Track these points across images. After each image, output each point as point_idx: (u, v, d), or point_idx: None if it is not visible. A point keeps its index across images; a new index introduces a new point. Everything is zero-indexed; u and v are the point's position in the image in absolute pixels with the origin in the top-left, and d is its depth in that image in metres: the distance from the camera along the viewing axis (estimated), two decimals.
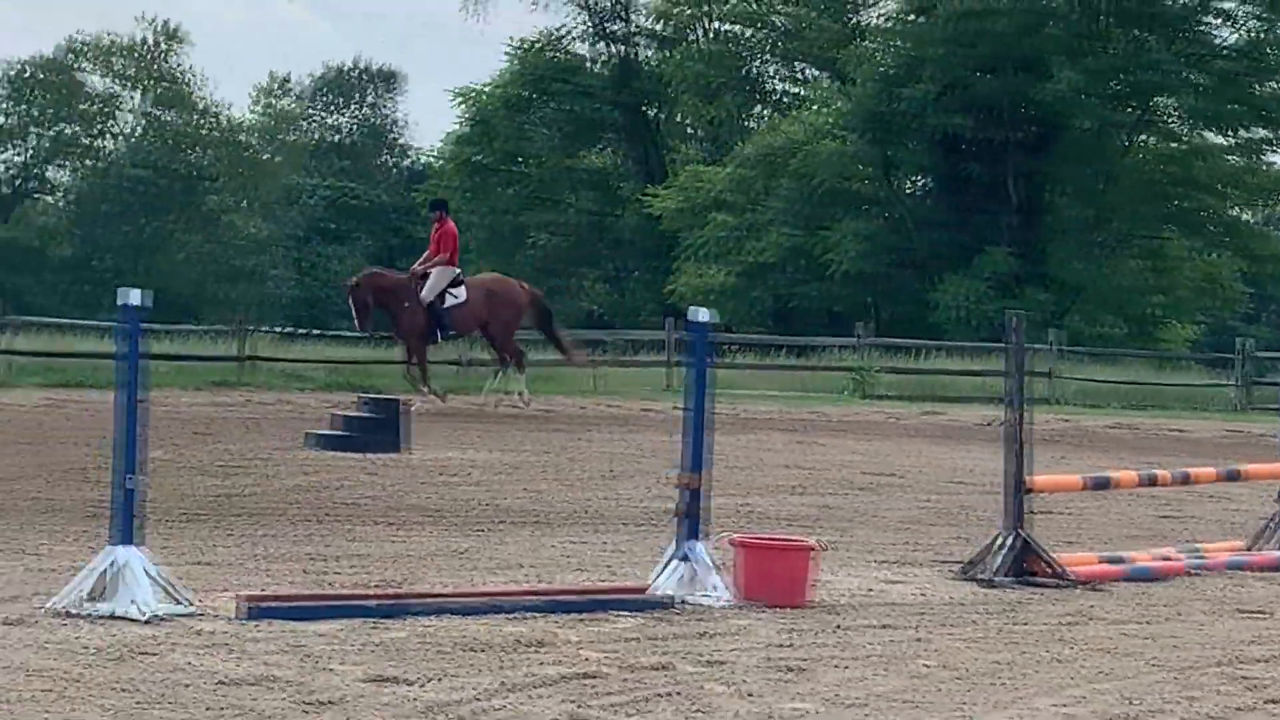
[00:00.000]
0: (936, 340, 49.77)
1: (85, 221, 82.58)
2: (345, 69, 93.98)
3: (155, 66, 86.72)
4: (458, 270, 34.36)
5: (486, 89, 71.69)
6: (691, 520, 13.61)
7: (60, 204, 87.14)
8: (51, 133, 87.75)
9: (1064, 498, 19.94)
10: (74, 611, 11.95)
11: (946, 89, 59.76)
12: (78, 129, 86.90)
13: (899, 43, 63.03)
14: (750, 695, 10.34)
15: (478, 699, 9.97)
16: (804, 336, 51.20)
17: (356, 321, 34.33)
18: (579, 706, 9.85)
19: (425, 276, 33.29)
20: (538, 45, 71.58)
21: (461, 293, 33.39)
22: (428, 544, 16.15)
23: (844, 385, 44.28)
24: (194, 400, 34.04)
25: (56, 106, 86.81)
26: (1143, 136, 64.36)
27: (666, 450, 22.06)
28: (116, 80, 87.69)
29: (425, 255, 34.52)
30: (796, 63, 70.52)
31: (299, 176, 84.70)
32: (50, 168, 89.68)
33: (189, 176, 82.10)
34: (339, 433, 25.64)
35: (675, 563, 13.51)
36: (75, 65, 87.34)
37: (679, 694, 10.30)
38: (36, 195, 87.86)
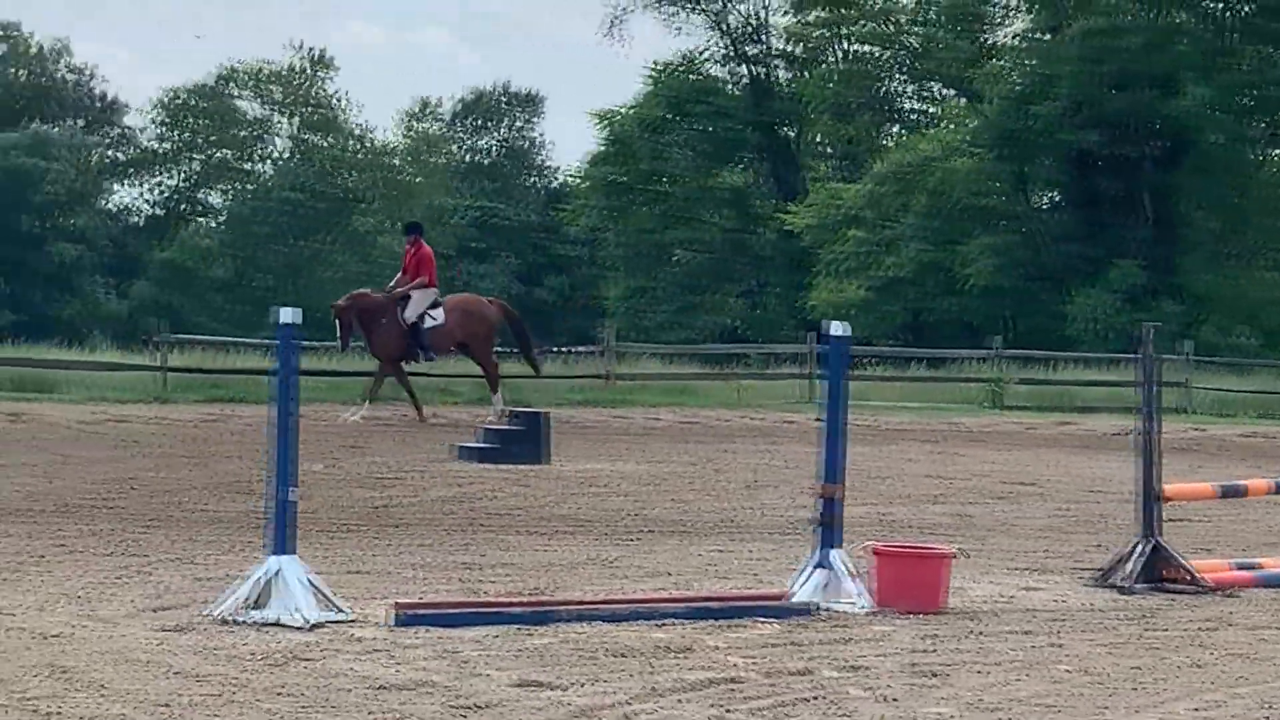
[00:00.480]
0: (1069, 352, 49.41)
1: (240, 242, 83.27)
2: (488, 93, 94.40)
3: (306, 92, 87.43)
4: (437, 292, 34.22)
5: (625, 111, 71.81)
6: (830, 529, 13.60)
7: (216, 226, 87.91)
8: (207, 157, 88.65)
9: (1197, 506, 19.78)
10: (235, 619, 12.09)
11: (1077, 106, 59.43)
12: (233, 153, 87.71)
13: (1029, 61, 62.71)
14: (891, 700, 10.32)
15: (625, 703, 10.00)
16: (939, 349, 50.99)
17: (340, 340, 33.78)
18: (724, 711, 9.86)
19: (405, 298, 32.97)
20: (675, 68, 71.67)
21: (440, 314, 33.20)
22: (576, 553, 16.20)
23: (979, 396, 44.05)
24: (347, 414, 34.27)
25: (212, 132, 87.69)
26: (1275, 151, 63.69)
27: (806, 461, 22.04)
28: (269, 106, 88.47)
29: (399, 278, 34.17)
30: (928, 82, 70.32)
31: (445, 197, 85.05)
32: (206, 191, 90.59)
33: (339, 198, 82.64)
34: (487, 445, 25.74)
35: (815, 570, 13.50)
36: (230, 92, 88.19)
37: (820, 698, 10.30)
38: (193, 218, 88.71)
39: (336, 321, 33.02)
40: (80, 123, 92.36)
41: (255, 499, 18.81)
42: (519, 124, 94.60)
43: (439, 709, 9.73)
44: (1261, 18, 60.66)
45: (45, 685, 10.03)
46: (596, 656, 11.28)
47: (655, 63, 73.23)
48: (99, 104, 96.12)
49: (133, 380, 39.69)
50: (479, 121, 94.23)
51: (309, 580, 12.37)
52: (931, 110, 70.75)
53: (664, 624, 12.40)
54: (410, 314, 32.36)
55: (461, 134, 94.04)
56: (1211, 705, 10.44)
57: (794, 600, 13.22)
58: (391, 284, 34.20)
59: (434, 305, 33.24)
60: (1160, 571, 14.91)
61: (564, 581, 14.32)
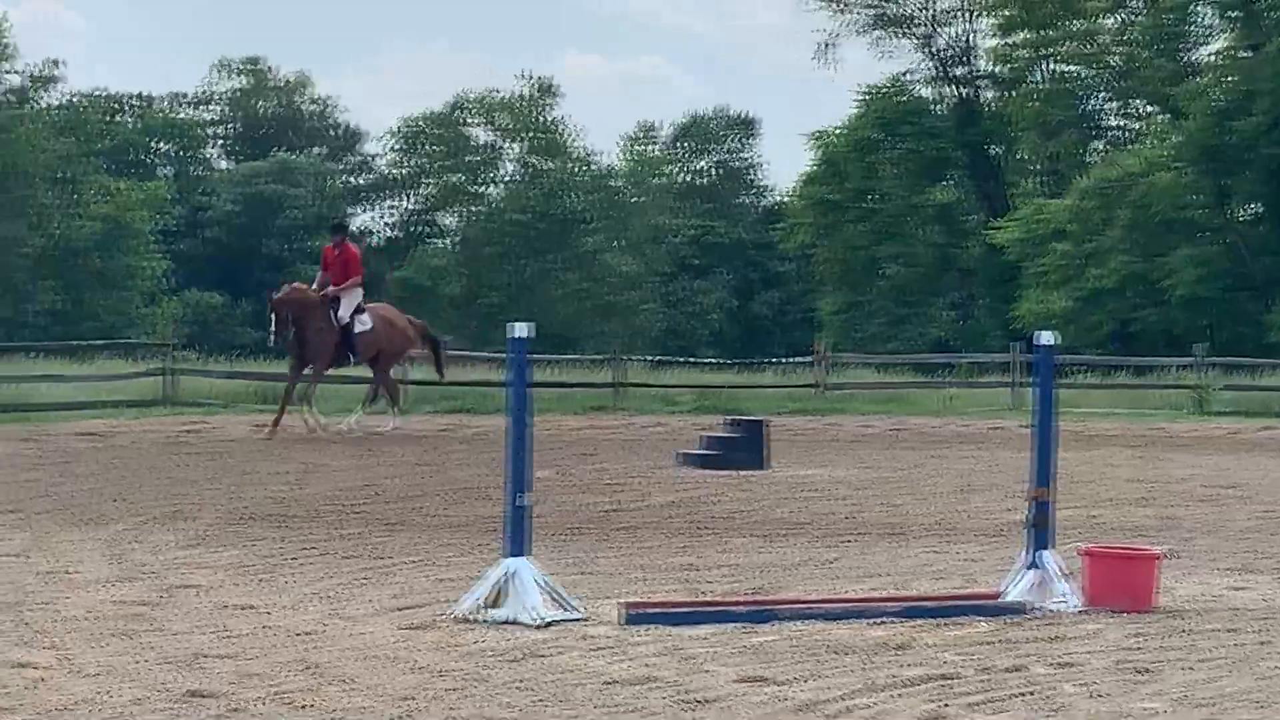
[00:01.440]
0: (1273, 360, 48.61)
1: (471, 262, 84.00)
2: (705, 117, 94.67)
3: (532, 119, 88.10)
4: (362, 294, 31.76)
5: (837, 132, 71.76)
6: (1040, 531, 13.50)
7: (449, 246, 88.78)
8: (440, 182, 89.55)
9: None
10: (474, 617, 12.22)
11: (1277, 120, 58.43)
12: (464, 178, 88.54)
13: (1230, 78, 61.78)
14: (1102, 695, 10.24)
15: (844, 698, 9.99)
16: (1143, 357, 50.37)
17: (275, 334, 30.74)
18: (939, 706, 9.83)
19: (336, 300, 30.27)
20: (884, 90, 71.48)
21: (367, 319, 30.68)
22: (794, 554, 16.18)
23: (1183, 403, 43.46)
24: (575, 424, 34.41)
25: (445, 158, 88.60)
26: None
27: (1014, 466, 21.88)
28: (498, 133, 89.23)
29: (321, 278, 31.23)
30: (1131, 99, 69.45)
31: (664, 217, 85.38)
32: (439, 213, 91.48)
33: (565, 219, 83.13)
34: (708, 452, 25.78)
35: (1026, 571, 13.41)
36: (461, 120, 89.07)
37: (1033, 694, 10.24)
38: (428, 239, 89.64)
39: (273, 315, 30.26)
40: (322, 151, 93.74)
41: (490, 504, 19.00)
42: (734, 146, 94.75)
43: (666, 703, 9.78)
44: None
45: (298, 679, 10.20)
46: (816, 653, 11.29)
47: (865, 85, 73.16)
48: (339, 133, 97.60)
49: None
50: (696, 144, 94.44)
51: (542, 581, 12.46)
52: (1134, 127, 69.88)
53: (880, 622, 12.38)
54: (344, 315, 30.08)
55: (680, 156, 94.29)
56: None
57: (1006, 600, 13.15)
58: (315, 284, 31.45)
59: (359, 310, 30.87)
60: None
61: (783, 582, 14.33)
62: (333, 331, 29.68)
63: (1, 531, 16.70)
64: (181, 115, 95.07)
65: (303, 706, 9.52)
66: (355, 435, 30.17)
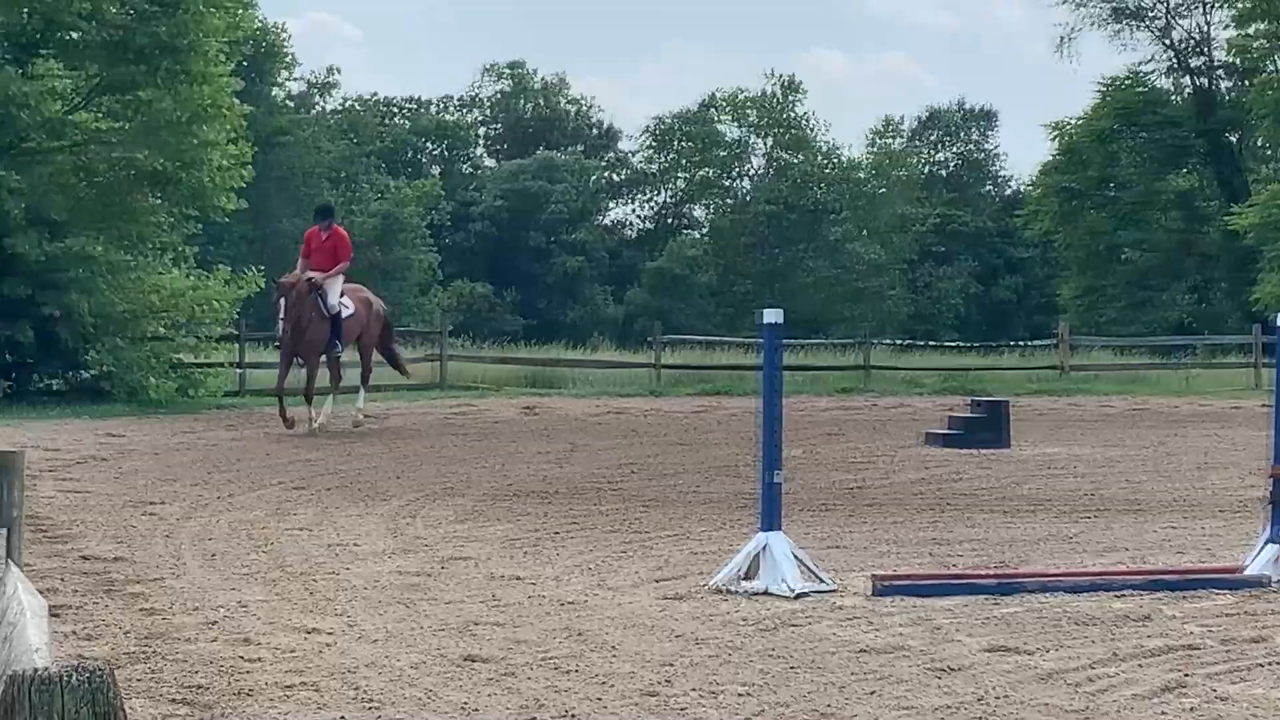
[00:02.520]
0: None
1: (722, 251, 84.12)
2: (946, 109, 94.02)
3: (779, 115, 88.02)
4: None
5: (1076, 122, 70.82)
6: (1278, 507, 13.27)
7: (700, 237, 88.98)
8: (691, 176, 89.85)
9: None
10: (729, 589, 12.28)
11: None
12: (714, 172, 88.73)
13: None
14: None
15: (1088, 667, 9.91)
16: None
17: (283, 322, 26.59)
18: (1182, 675, 9.71)
19: (322, 288, 26.84)
20: (1123, 81, 70.44)
21: (350, 303, 27.57)
22: (1037, 530, 16.05)
23: None
24: (824, 405, 34.40)
25: (696, 153, 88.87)
26: None
27: (1254, 444, 21.46)
28: (746, 128, 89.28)
29: (301, 265, 27.28)
30: None
31: (909, 206, 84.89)
32: (691, 206, 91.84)
33: (812, 210, 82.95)
34: (953, 431, 25.65)
35: (1268, 545, 13.17)
36: (711, 117, 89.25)
37: (1276, 664, 10.07)
38: (682, 231, 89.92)
39: (281, 300, 26.48)
40: (580, 149, 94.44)
41: (743, 481, 19.05)
42: (975, 137, 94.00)
43: (916, 670, 9.77)
44: None
45: (565, 646, 10.33)
46: (1060, 624, 11.20)
47: (1104, 77, 72.11)
48: (597, 131, 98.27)
49: (630, 376, 40.46)
50: (938, 136, 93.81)
51: (794, 554, 12.49)
52: None
53: (1122, 595, 12.25)
54: (334, 303, 26.88)
55: (922, 148, 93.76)
56: None
57: (1247, 573, 12.92)
58: (299, 269, 27.30)
59: (340, 294, 27.79)
60: None
61: (1027, 556, 14.22)
62: (324, 321, 26.65)
63: (291, 507, 17.09)
64: (450, 117, 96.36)
65: (569, 671, 9.64)
66: (365, 425, 27.42)
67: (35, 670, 2.97)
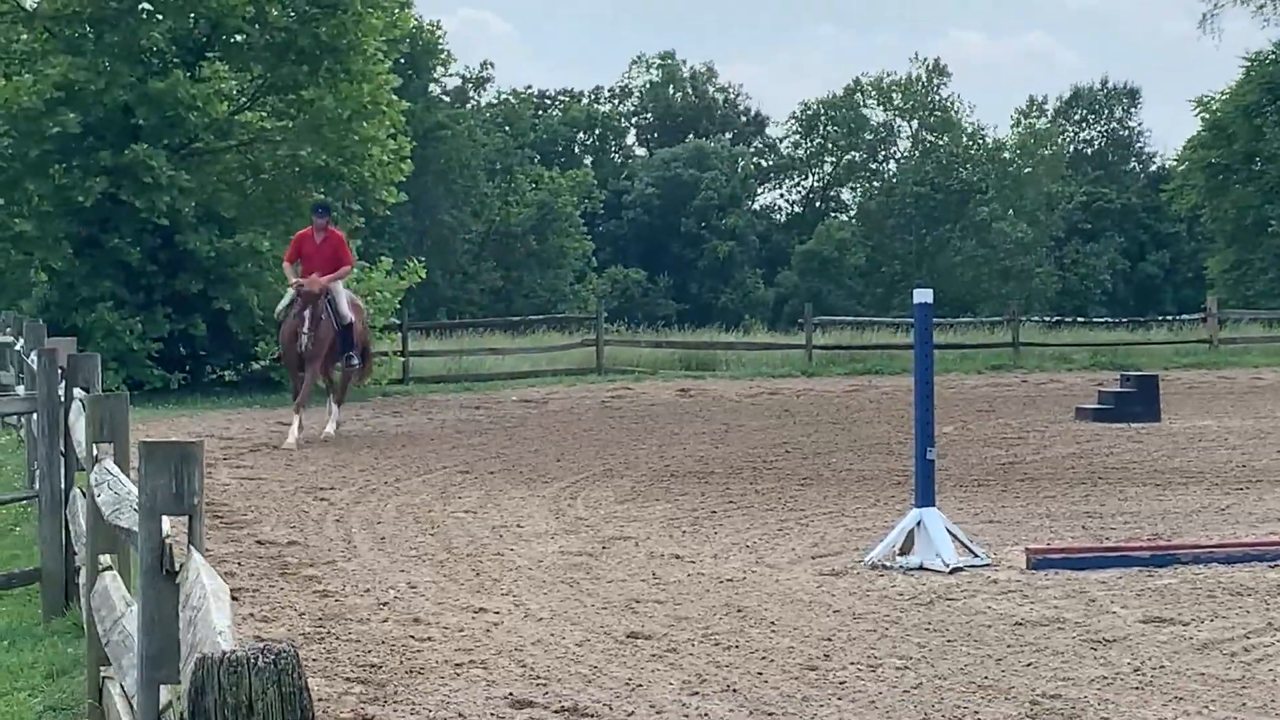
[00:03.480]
0: None
1: (872, 233, 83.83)
2: (1092, 88, 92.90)
3: (924, 98, 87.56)
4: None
5: (1222, 97, 69.80)
6: None
7: (850, 220, 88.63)
8: (839, 160, 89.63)
9: None
10: (885, 564, 12.28)
11: None
12: (861, 155, 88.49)
13: None
14: None
15: (1245, 637, 9.81)
16: None
17: (306, 335, 23.11)
18: None
19: (329, 293, 23.60)
20: (1269, 56, 69.32)
21: (349, 311, 24.21)
22: (1190, 502, 15.87)
23: None
24: (975, 382, 34.19)
25: (843, 138, 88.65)
26: None
27: None
28: (892, 112, 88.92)
29: (291, 268, 23.82)
30: None
31: (1056, 185, 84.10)
32: (839, 189, 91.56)
33: (961, 191, 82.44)
34: (1104, 406, 25.42)
35: None
36: (858, 102, 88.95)
37: None
38: (832, 213, 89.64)
39: (307, 311, 22.99)
40: (730, 136, 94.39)
41: (896, 459, 19.00)
42: (1120, 115, 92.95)
43: (1072, 642, 9.71)
44: None
45: (725, 622, 10.36)
46: (1215, 595, 11.09)
47: (1249, 51, 71.08)
48: (745, 119, 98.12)
49: (783, 358, 40.34)
50: (1083, 114, 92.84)
51: (948, 529, 12.45)
52: None
53: (1277, 565, 12.09)
54: (345, 310, 23.70)
55: (1067, 126, 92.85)
56: None
57: None
58: (290, 274, 23.88)
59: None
60: None
61: (1181, 527, 14.08)
62: (333, 330, 23.35)
63: (457, 490, 17.23)
64: (602, 108, 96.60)
65: (730, 647, 9.67)
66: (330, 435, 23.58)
67: (224, 653, 3.01)
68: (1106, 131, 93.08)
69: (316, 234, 23.57)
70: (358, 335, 24.10)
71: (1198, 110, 71.29)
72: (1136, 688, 8.65)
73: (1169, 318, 49.53)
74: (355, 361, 24.01)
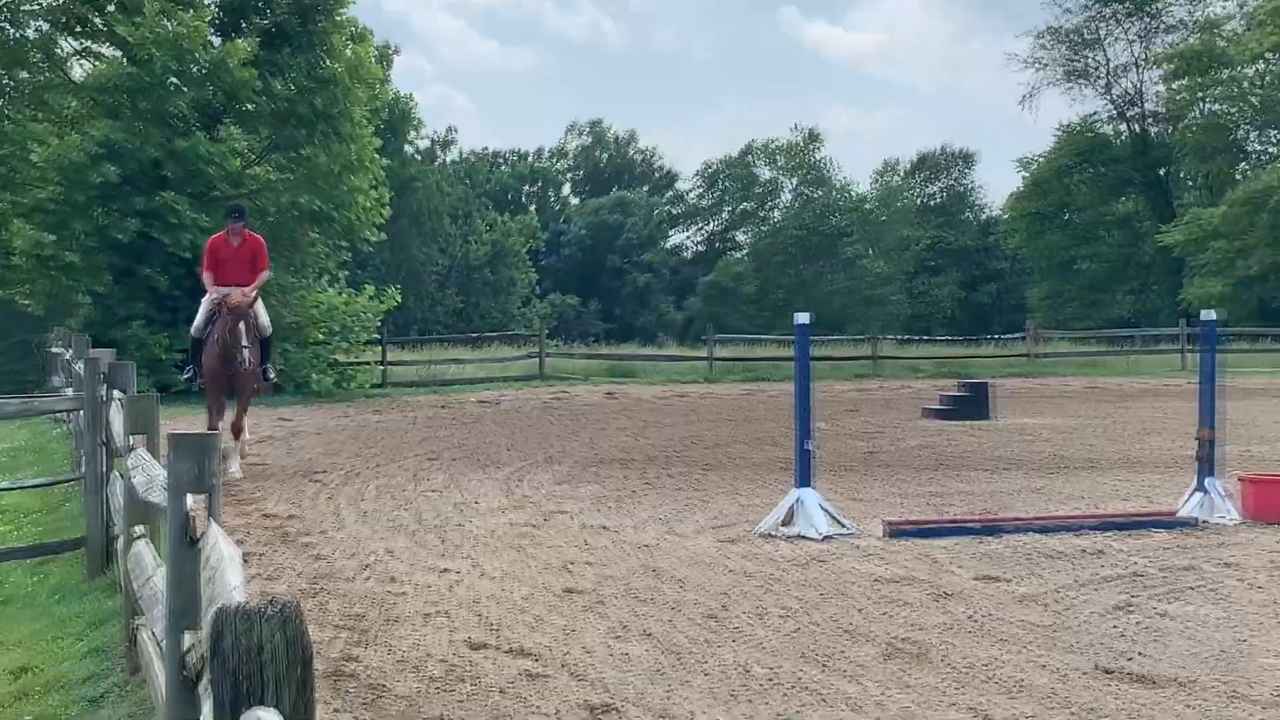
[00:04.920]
0: None
1: (762, 268, 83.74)
2: (935, 152, 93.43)
3: (804, 159, 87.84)
4: None
5: (1039, 159, 70.49)
6: (1207, 463, 13.22)
7: (744, 256, 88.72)
8: (735, 208, 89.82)
9: None
10: (771, 534, 12.29)
11: None
12: (754, 205, 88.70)
13: None
14: (1258, 587, 10.03)
15: (1056, 591, 9.89)
16: None
17: (245, 350, 16.30)
18: (1130, 597, 9.70)
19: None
20: (1076, 127, 70.09)
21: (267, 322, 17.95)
22: (1013, 483, 15.97)
23: None
24: (843, 388, 34.32)
25: (739, 190, 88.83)
26: None
27: (1185, 414, 21.29)
28: (779, 170, 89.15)
29: (212, 278, 17.05)
30: (1268, 129, 66.75)
31: (908, 230, 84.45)
32: (736, 232, 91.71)
33: (832, 234, 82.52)
34: (946, 407, 25.57)
35: (1196, 494, 13.15)
36: (750, 161, 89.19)
37: (1204, 587, 10.05)
38: (729, 251, 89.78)
39: (240, 325, 16.29)
40: (647, 188, 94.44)
41: (781, 449, 19.05)
42: (956, 174, 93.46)
43: (920, 595, 9.77)
44: None
45: (642, 580, 10.36)
46: (1033, 558, 11.17)
47: (1061, 124, 72.02)
48: (659, 175, 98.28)
49: (690, 368, 40.44)
50: (928, 173, 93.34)
51: (822, 505, 12.49)
52: (1271, 151, 67.15)
53: (1082, 534, 12.21)
54: (265, 323, 17.48)
55: (916, 183, 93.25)
56: None
57: (1180, 515, 12.89)
58: (208, 282, 17.12)
59: None
60: None
61: (1006, 504, 14.16)
62: (257, 346, 16.90)
63: (426, 474, 17.15)
64: (543, 165, 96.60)
65: (647, 600, 9.67)
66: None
67: (238, 605, 3.00)
68: (947, 187, 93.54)
69: (232, 238, 17.19)
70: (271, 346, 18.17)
71: (1020, 170, 72.14)
72: (971, 632, 8.71)
73: (997, 336, 49.84)
74: (272, 375, 17.89)
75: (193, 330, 16.18)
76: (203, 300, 16.35)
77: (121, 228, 29.78)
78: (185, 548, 5.06)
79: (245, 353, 15.89)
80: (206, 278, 17.01)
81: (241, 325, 16.17)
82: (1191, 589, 9.96)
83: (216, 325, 16.23)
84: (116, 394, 10.32)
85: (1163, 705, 7.25)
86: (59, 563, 11.67)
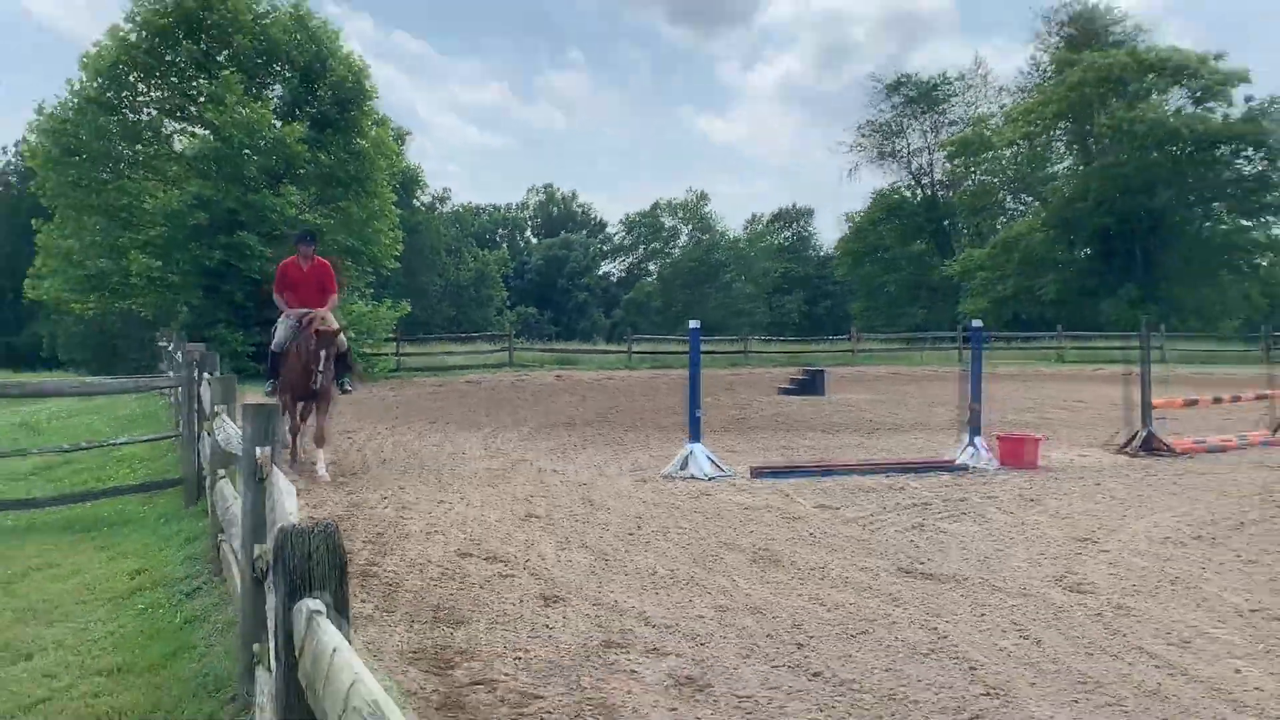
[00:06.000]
0: (1104, 332, 47.21)
1: (667, 289, 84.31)
2: (785, 208, 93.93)
3: (696, 212, 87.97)
4: None
5: (860, 214, 70.73)
6: (974, 426, 13.36)
7: (653, 281, 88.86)
8: (648, 247, 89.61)
9: (1171, 410, 18.86)
10: (672, 475, 12.29)
11: (1098, 203, 56.28)
12: (660, 245, 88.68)
13: (1072, 181, 59.60)
14: (1009, 513, 10.14)
15: (871, 515, 9.96)
16: (1028, 332, 49.10)
17: (320, 374, 12.23)
18: (921, 519, 9.78)
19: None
20: (885, 191, 70.63)
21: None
22: (842, 441, 16.06)
23: (1050, 357, 42.39)
24: (723, 373, 34.26)
25: (650, 234, 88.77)
26: (1207, 223, 58.55)
27: (960, 392, 21.50)
28: (678, 219, 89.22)
29: (287, 299, 13.15)
30: (1020, 194, 67.28)
31: (768, 263, 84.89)
32: (649, 264, 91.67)
33: (715, 265, 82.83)
34: (793, 387, 25.68)
35: (968, 448, 13.28)
36: (659, 214, 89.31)
37: (973, 512, 10.15)
38: (643, 277, 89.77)
39: (322, 353, 12.26)
40: (585, 232, 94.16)
41: (679, 416, 19.06)
42: (802, 223, 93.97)
43: (775, 518, 9.80)
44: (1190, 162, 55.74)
45: (582, 508, 10.34)
46: (854, 492, 11.25)
47: (874, 189, 72.60)
48: (594, 222, 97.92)
49: (615, 359, 40.34)
50: (782, 223, 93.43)
51: (708, 456, 12.52)
52: (1022, 209, 67.72)
53: (888, 475, 12.30)
54: (343, 342, 13.26)
55: (774, 230, 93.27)
56: (1182, 514, 10.01)
57: (956, 463, 13.02)
58: (280, 303, 13.19)
59: None
60: (1152, 445, 14.32)
61: (837, 455, 14.26)
62: (332, 365, 12.62)
63: (428, 433, 17.02)
64: (511, 214, 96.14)
65: (585, 522, 9.65)
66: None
67: (294, 525, 2.98)
68: (795, 233, 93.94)
69: (302, 261, 13.14)
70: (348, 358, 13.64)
71: (846, 221, 72.63)
72: (810, 544, 8.77)
73: (829, 338, 50.11)
74: (349, 388, 13.42)
75: (273, 345, 12.97)
76: (279, 320, 12.88)
77: (209, 257, 29.40)
78: (255, 484, 5.01)
79: (321, 377, 12.07)
80: (279, 299, 13.06)
81: (324, 351, 12.11)
82: (964, 514, 10.08)
83: (297, 343, 12.47)
84: (205, 375, 10.19)
85: (944, 595, 7.35)
86: (163, 496, 11.51)
